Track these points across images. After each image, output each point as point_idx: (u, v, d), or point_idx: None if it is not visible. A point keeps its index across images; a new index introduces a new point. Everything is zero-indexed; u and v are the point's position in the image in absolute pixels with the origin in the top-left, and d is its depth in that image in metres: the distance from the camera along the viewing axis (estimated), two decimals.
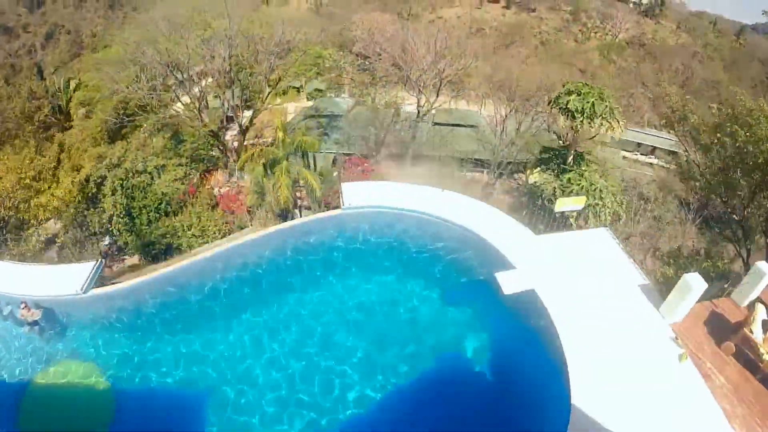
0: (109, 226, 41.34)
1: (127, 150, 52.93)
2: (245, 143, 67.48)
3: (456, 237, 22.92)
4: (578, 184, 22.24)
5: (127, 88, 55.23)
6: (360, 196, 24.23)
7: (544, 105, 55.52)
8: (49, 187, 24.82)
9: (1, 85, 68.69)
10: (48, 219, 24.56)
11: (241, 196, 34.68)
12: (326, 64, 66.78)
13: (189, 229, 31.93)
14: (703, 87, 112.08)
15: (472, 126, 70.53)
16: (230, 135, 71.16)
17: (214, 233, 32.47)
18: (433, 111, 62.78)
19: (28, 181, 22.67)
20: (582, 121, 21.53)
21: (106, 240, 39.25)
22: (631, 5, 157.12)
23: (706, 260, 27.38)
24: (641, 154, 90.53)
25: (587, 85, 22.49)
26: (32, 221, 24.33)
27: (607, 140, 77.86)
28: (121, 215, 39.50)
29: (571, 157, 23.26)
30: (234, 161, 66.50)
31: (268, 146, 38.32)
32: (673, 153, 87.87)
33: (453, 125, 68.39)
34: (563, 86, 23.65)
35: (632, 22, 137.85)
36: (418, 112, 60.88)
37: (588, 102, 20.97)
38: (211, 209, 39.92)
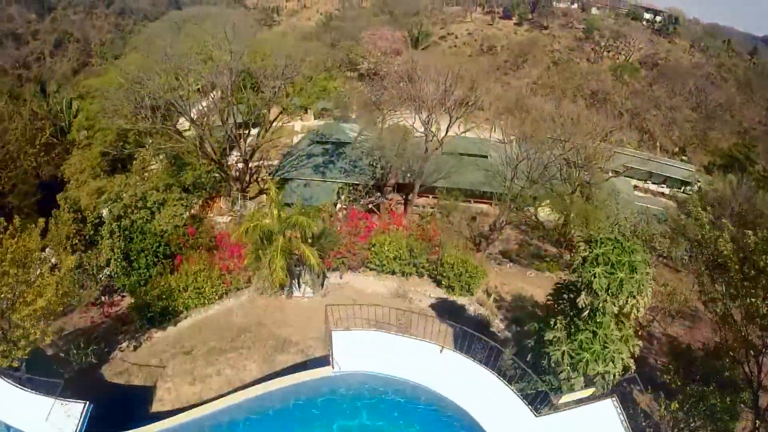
0: (107, 269, 40.54)
1: (126, 184, 52.24)
2: (250, 165, 66.76)
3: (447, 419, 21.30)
4: (590, 350, 20.13)
5: (126, 118, 55.14)
6: (351, 350, 21.99)
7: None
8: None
9: (3, 105, 68.51)
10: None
11: (242, 250, 32.96)
12: (331, 95, 65.09)
13: (185, 291, 30.57)
14: (717, 110, 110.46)
15: (482, 156, 69.24)
16: (235, 156, 70.28)
17: (211, 295, 31.13)
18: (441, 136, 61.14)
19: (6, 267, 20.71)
20: (605, 300, 19.23)
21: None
22: (644, 23, 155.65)
23: None
24: (653, 183, 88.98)
25: (618, 244, 19.90)
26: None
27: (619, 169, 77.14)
28: (119, 259, 38.62)
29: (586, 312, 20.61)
30: (237, 189, 65.64)
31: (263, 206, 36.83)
32: (686, 183, 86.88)
33: (462, 154, 67.02)
34: (590, 245, 20.55)
35: (645, 41, 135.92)
36: (426, 138, 59.80)
37: (616, 279, 18.67)
38: (209, 251, 38.82)
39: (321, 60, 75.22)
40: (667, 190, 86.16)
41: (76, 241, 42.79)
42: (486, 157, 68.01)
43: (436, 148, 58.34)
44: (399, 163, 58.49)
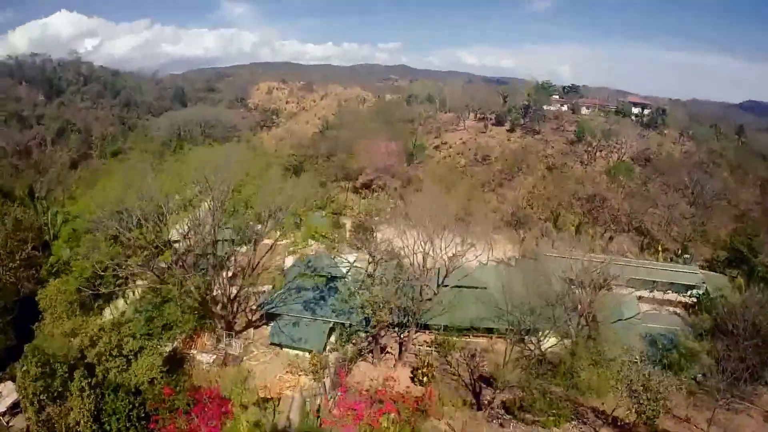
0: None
1: (102, 327, 50.73)
2: (238, 291, 65.41)
3: None
4: None
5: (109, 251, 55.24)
6: None
7: None
8: None
9: None
10: None
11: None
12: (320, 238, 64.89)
13: None
14: (713, 200, 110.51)
15: (481, 288, 68.34)
16: (224, 278, 68.79)
17: None
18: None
19: None
20: None
21: None
22: (633, 118, 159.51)
23: None
24: (658, 290, 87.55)
25: None
26: None
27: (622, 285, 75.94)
28: (89, 422, 36.58)
29: None
30: (222, 328, 64.13)
31: None
32: (691, 287, 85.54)
33: (460, 287, 66.02)
34: None
35: (636, 136, 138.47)
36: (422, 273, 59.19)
37: None
38: (187, 414, 37.14)
39: (309, 197, 75.52)
40: (673, 296, 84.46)
41: (44, 397, 40.68)
42: (485, 288, 66.55)
43: (429, 299, 57.02)
44: (394, 301, 57.11)
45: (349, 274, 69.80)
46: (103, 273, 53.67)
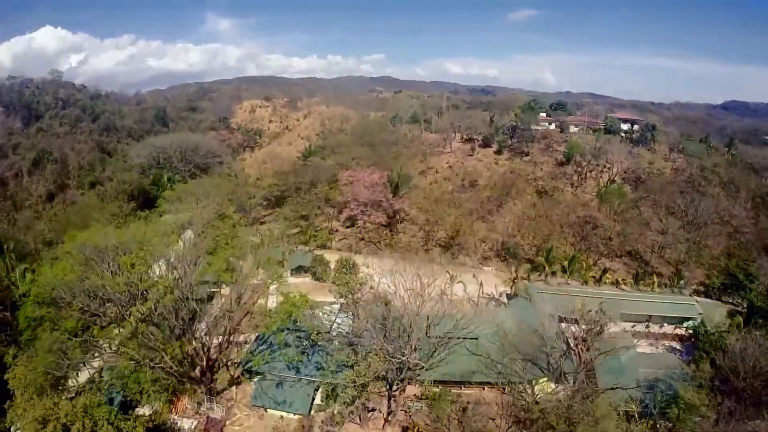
0: None
1: (73, 412, 47.50)
2: (220, 340, 61.92)
3: None
4: None
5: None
6: None
7: None
8: None
9: None
10: None
11: None
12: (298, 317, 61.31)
13: None
14: (707, 221, 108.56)
15: (471, 338, 65.16)
16: (197, 346, 65.10)
17: None
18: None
19: None
20: None
21: None
22: (622, 135, 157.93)
23: None
24: (653, 323, 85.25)
25: None
26: None
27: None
28: None
29: None
30: (202, 392, 60.57)
31: None
32: (686, 319, 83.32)
33: (449, 338, 62.75)
34: None
35: (626, 153, 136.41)
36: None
37: None
38: None
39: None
40: (669, 328, 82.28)
41: None
42: (476, 339, 63.39)
43: (417, 362, 53.94)
44: (381, 356, 53.83)
45: (335, 324, 66.61)
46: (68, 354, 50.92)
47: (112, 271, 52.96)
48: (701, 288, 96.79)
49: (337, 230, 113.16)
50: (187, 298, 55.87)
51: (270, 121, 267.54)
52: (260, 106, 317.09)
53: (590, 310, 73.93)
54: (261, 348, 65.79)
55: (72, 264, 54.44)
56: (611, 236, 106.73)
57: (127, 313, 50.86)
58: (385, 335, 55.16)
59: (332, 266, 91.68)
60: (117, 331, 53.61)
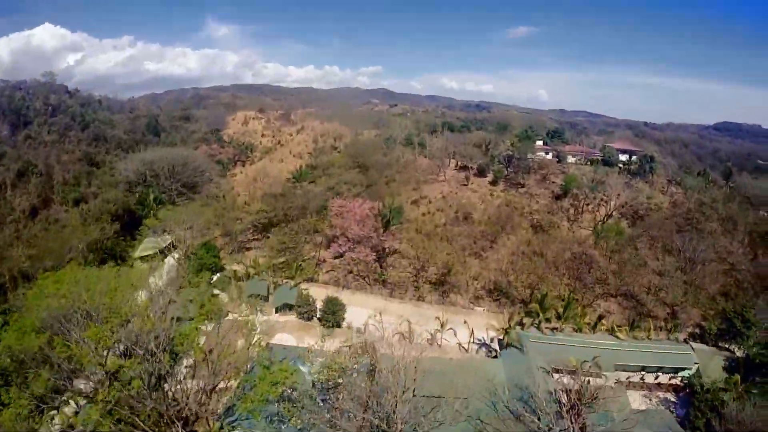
0: None
1: None
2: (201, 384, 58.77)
3: None
4: None
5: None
6: None
7: None
8: None
9: None
10: None
11: None
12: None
13: None
14: (705, 262, 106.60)
15: (462, 398, 62.19)
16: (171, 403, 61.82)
17: None
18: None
19: None
20: None
21: None
22: (620, 166, 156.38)
23: None
24: (648, 372, 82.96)
25: None
26: None
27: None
28: None
29: None
30: None
31: None
32: (680, 369, 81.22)
33: (438, 397, 59.79)
34: None
35: (623, 186, 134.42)
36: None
37: None
38: None
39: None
40: (664, 378, 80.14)
41: None
42: (465, 398, 60.23)
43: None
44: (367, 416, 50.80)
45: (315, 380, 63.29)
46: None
47: (76, 341, 49.88)
48: (697, 331, 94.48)
49: (324, 260, 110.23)
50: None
51: (263, 135, 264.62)
52: (254, 118, 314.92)
53: (584, 361, 72.30)
54: (241, 399, 62.25)
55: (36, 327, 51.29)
56: (607, 275, 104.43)
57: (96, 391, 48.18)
58: (368, 405, 51.80)
59: (318, 305, 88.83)
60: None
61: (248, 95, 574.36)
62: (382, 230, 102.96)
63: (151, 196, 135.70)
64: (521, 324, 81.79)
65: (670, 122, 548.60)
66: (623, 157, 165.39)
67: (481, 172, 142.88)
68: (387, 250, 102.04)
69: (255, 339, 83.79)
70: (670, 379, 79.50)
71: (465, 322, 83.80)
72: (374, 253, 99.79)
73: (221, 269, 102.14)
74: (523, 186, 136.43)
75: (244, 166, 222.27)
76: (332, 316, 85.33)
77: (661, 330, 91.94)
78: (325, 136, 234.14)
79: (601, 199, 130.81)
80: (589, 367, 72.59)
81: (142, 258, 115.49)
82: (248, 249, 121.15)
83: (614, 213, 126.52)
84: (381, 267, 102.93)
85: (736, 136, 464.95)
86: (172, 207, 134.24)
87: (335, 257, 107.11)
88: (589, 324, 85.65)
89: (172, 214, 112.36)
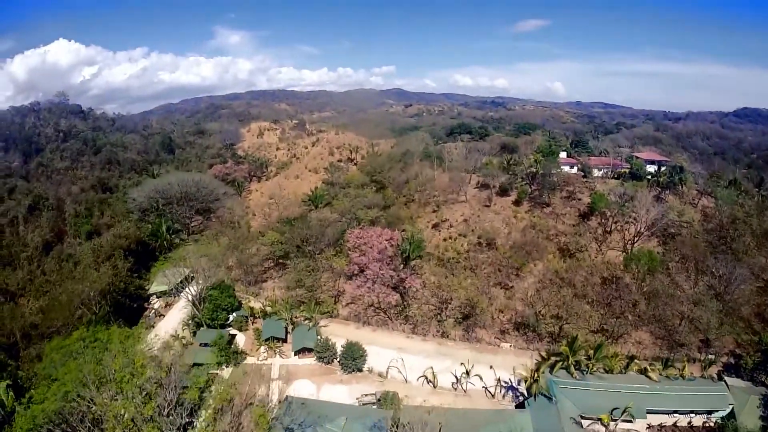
0: None
1: None
2: None
3: None
4: None
5: None
6: None
7: None
8: None
9: None
10: None
11: None
12: None
13: None
14: (741, 284, 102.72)
15: None
16: None
17: None
18: None
19: None
20: None
21: None
22: (648, 178, 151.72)
23: None
24: (680, 414, 79.79)
25: None
26: None
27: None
28: None
29: None
30: None
31: None
32: (714, 410, 77.89)
33: None
34: None
35: (652, 200, 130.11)
36: None
37: None
38: None
39: None
40: (697, 420, 76.76)
41: None
42: None
43: None
44: None
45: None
46: None
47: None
48: (732, 361, 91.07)
49: (344, 291, 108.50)
50: None
51: (277, 149, 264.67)
52: (268, 129, 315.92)
53: (615, 408, 69.75)
54: None
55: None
56: (637, 301, 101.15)
57: None
58: None
59: (339, 346, 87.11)
60: None
61: (262, 101, 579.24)
62: (401, 265, 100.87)
63: (164, 227, 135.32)
64: (551, 366, 79.10)
65: (689, 111, 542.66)
66: (651, 168, 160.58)
67: (503, 191, 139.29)
68: (408, 287, 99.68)
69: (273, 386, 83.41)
70: (704, 424, 76.36)
71: (491, 367, 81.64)
72: (395, 293, 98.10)
73: (237, 308, 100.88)
74: (548, 205, 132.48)
75: (260, 181, 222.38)
76: (353, 362, 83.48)
77: (694, 362, 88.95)
78: (341, 148, 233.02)
79: (630, 215, 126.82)
80: (621, 415, 70.23)
81: (156, 294, 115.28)
82: (265, 280, 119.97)
83: (644, 231, 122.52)
84: (403, 300, 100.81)
85: (756, 122, 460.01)
86: (185, 240, 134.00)
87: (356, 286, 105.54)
88: (620, 364, 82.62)
89: (184, 252, 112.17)
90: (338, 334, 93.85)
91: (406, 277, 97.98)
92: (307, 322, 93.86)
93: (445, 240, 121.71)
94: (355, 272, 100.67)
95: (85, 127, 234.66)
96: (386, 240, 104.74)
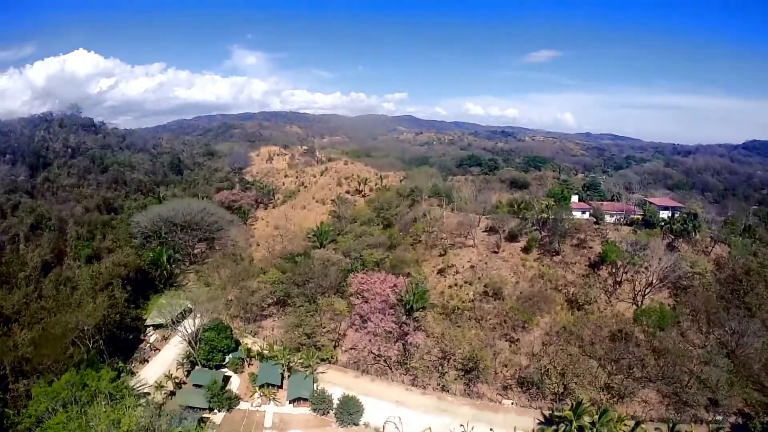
0: None
1: None
2: None
3: None
4: None
5: None
6: None
7: None
8: None
9: None
10: None
11: None
12: None
13: None
14: (753, 341, 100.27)
15: None
16: None
17: None
18: None
19: None
20: None
21: None
22: (662, 224, 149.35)
23: None
24: None
25: None
26: None
27: None
28: None
29: None
30: None
31: None
32: None
33: None
34: None
35: (664, 250, 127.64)
36: None
37: None
38: None
39: None
40: None
41: None
42: None
43: None
44: None
45: None
46: None
47: None
48: (740, 421, 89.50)
49: (345, 335, 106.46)
50: None
51: (286, 176, 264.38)
52: (278, 154, 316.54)
53: None
54: None
55: None
56: (646, 357, 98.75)
57: None
58: None
59: (335, 398, 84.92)
60: None
61: (274, 122, 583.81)
62: (404, 315, 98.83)
63: (164, 256, 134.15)
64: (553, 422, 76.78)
65: (699, 144, 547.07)
66: (665, 214, 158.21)
67: (513, 237, 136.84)
68: (409, 340, 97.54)
69: None
70: None
71: (491, 430, 79.34)
72: (396, 350, 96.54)
73: (234, 348, 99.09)
74: (558, 253, 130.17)
75: (266, 209, 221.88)
76: (349, 416, 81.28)
77: (701, 423, 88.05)
78: (350, 179, 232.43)
79: (641, 264, 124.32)
80: None
81: (153, 326, 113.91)
82: (264, 318, 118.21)
83: (655, 282, 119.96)
84: (405, 351, 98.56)
85: (765, 155, 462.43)
86: (186, 269, 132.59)
87: (356, 330, 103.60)
88: (625, 429, 79.98)
89: (185, 282, 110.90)
90: (336, 382, 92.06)
91: (409, 331, 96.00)
92: (304, 369, 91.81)
93: (450, 287, 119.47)
94: (356, 323, 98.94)
95: (95, 143, 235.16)
96: (390, 287, 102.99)
